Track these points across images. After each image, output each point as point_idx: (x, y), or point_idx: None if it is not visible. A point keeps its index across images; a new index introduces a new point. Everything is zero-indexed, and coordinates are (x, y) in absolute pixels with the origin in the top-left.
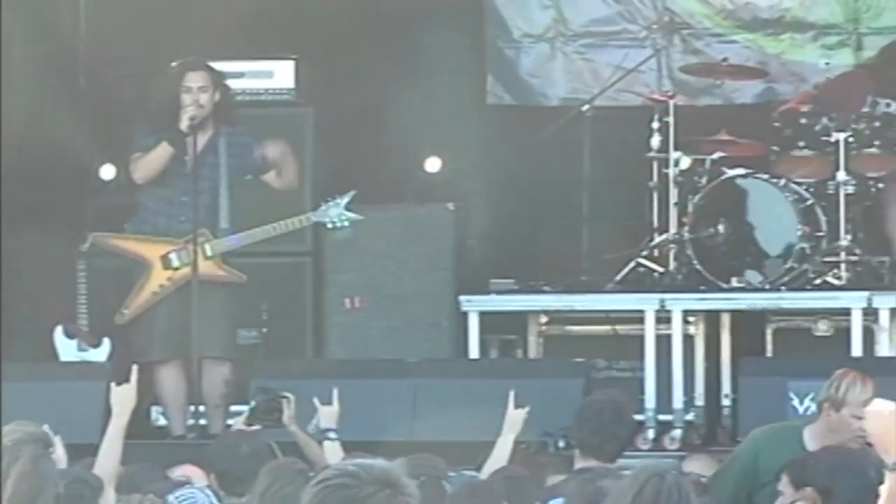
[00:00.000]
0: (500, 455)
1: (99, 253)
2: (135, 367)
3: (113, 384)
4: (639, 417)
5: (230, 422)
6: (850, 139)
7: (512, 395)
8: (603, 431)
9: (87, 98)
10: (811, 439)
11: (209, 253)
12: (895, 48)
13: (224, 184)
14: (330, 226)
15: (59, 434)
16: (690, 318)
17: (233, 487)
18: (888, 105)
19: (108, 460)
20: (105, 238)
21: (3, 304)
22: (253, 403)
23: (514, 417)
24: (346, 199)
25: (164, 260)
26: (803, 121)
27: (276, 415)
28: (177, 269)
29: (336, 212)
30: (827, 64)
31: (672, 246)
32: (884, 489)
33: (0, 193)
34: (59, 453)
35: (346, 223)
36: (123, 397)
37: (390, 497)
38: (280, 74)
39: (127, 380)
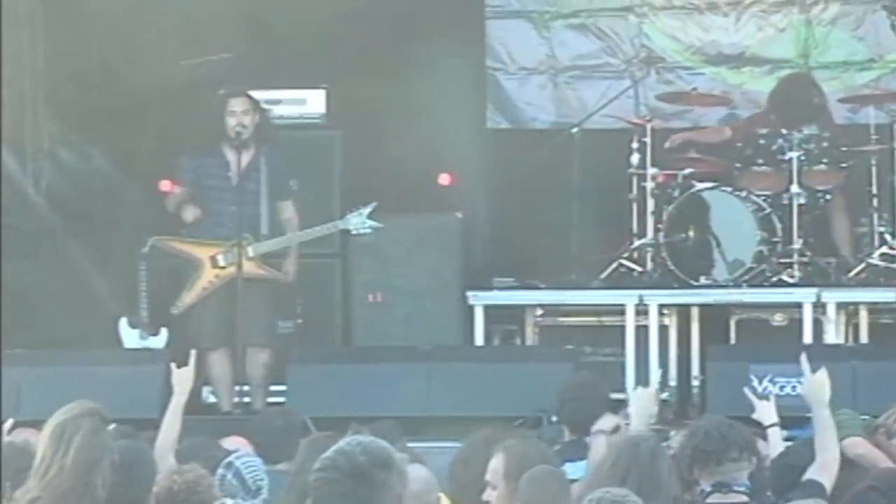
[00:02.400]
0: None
1: (157, 255)
2: (193, 352)
3: (174, 367)
4: (620, 396)
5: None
6: (802, 157)
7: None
8: (585, 412)
9: (149, 122)
10: None
11: (251, 254)
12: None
13: (264, 195)
14: (354, 232)
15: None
16: (665, 311)
17: (269, 455)
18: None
19: (169, 433)
20: (164, 241)
21: (76, 299)
22: None
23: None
24: (368, 210)
25: (213, 260)
26: (761, 141)
27: None
28: (223, 268)
29: (359, 220)
30: None
31: (649, 249)
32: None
33: (0, 199)
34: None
35: (367, 230)
36: (183, 378)
37: (383, 485)
38: (312, 102)
39: (186, 363)
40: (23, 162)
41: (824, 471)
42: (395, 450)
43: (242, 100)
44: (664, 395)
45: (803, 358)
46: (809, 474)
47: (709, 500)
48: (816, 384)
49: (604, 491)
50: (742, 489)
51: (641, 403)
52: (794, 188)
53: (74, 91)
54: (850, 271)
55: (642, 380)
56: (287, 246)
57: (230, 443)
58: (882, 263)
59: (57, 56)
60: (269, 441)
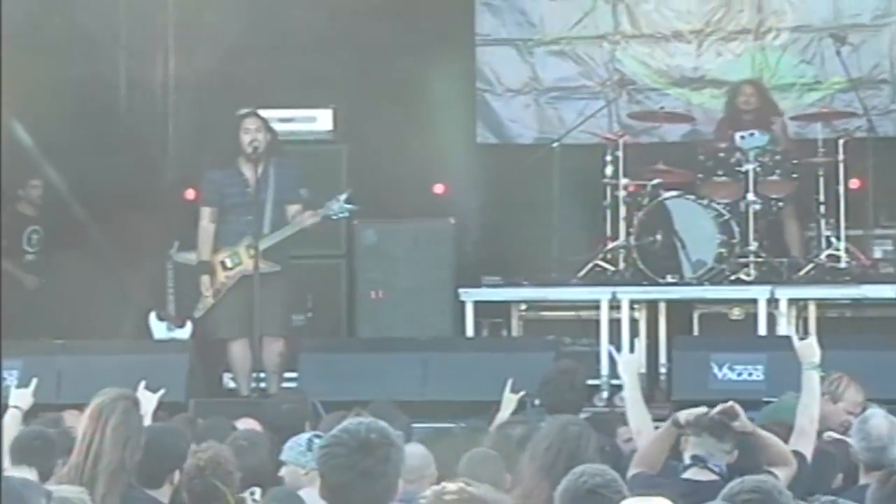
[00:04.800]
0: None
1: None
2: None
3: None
4: (595, 382)
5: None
6: (757, 169)
7: (510, 382)
8: (558, 396)
9: (175, 137)
10: None
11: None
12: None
13: (270, 199)
14: (334, 217)
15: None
16: (635, 306)
17: (278, 435)
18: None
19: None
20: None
21: (111, 295)
22: None
23: (510, 399)
24: (344, 196)
25: (222, 264)
26: (721, 155)
27: None
28: (231, 268)
29: (337, 206)
30: None
31: (621, 251)
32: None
33: (0, 199)
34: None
35: (345, 213)
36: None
37: (383, 459)
38: (321, 120)
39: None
40: (63, 171)
41: (802, 437)
42: (392, 428)
43: (255, 119)
44: None
45: (793, 334)
46: (791, 445)
47: (684, 475)
48: (805, 347)
49: (587, 465)
50: (717, 469)
51: (629, 367)
52: (751, 196)
53: (106, 111)
54: (800, 270)
55: (615, 367)
56: (283, 238)
57: (243, 423)
58: (828, 263)
59: (85, 74)
60: (279, 422)
